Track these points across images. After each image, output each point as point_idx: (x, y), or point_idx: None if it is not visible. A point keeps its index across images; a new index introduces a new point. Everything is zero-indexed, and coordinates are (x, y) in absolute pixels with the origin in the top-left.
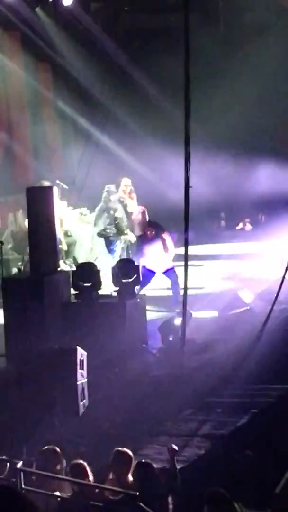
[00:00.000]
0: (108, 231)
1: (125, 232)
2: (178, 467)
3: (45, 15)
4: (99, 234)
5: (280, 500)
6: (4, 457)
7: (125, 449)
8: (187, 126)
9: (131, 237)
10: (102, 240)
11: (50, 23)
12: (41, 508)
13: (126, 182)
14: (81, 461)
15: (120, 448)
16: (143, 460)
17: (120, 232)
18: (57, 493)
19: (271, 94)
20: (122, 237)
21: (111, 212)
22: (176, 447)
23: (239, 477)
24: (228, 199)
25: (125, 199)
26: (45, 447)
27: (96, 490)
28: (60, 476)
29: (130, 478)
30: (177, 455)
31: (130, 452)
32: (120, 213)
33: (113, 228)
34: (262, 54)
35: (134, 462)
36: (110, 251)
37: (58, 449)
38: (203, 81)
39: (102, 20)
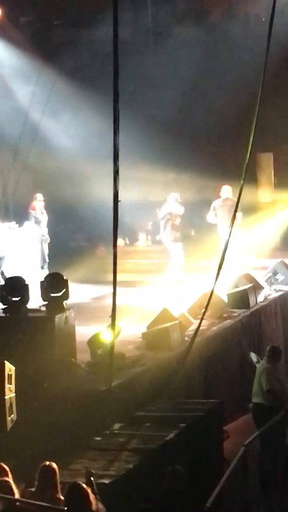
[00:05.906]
0: None
1: None
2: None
3: None
4: None
5: None
6: None
7: (49, 463)
8: (115, 140)
9: None
10: None
11: None
12: None
13: (38, 197)
14: (6, 478)
15: (46, 463)
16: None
17: None
18: None
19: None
20: None
21: None
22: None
23: (169, 492)
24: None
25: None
26: None
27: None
28: None
29: (59, 493)
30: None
31: (54, 465)
32: None
33: None
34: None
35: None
36: None
37: None
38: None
39: (31, 33)
